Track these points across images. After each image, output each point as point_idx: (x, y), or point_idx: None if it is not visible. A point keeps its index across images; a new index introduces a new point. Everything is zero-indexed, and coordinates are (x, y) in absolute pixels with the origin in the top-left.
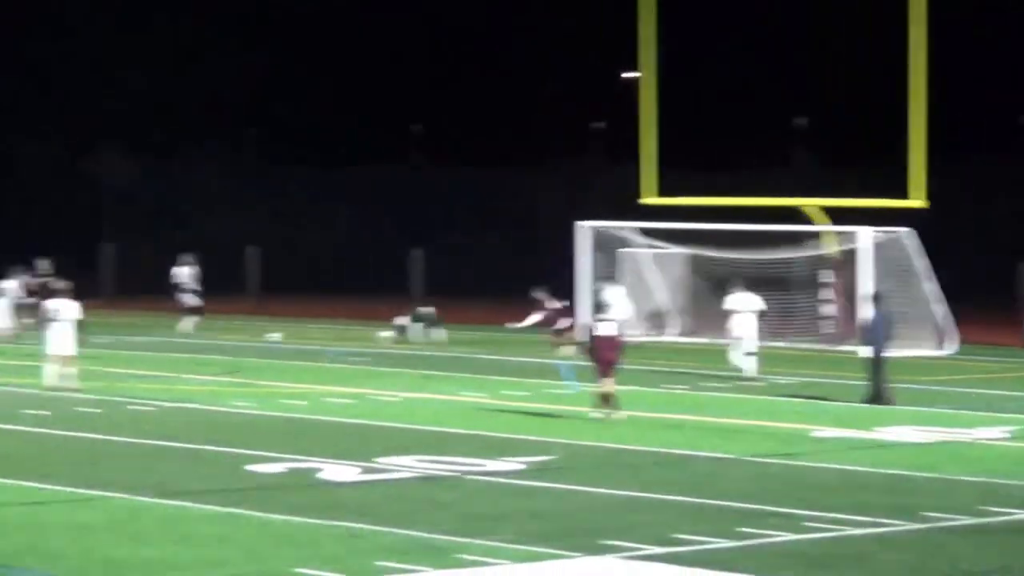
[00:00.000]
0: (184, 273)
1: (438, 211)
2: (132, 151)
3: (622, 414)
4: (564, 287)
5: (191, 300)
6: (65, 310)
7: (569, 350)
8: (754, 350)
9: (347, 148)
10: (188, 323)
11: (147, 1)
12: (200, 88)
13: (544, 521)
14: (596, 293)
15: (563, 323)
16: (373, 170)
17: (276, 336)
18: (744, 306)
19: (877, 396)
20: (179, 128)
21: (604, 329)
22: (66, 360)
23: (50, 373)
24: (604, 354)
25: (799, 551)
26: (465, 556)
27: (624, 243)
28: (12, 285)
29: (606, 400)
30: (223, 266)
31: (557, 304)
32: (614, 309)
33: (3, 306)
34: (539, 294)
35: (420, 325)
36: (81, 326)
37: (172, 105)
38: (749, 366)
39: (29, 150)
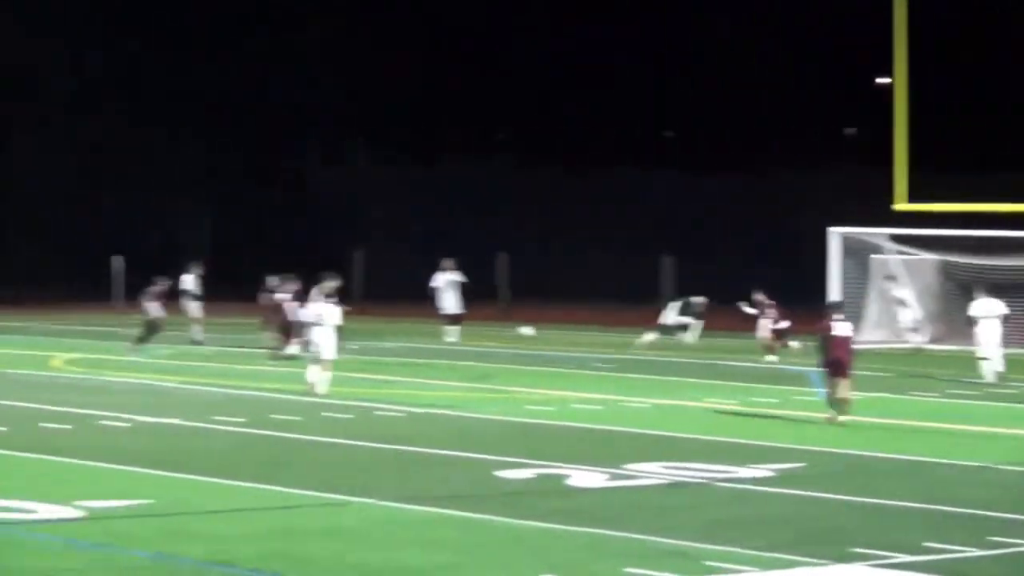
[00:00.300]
0: (442, 279)
1: (687, 217)
2: (385, 157)
3: (843, 418)
4: (819, 293)
5: (451, 308)
6: (328, 315)
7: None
8: (993, 356)
9: (597, 153)
10: (451, 331)
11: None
12: (452, 94)
13: (793, 528)
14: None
15: (781, 324)
16: (622, 175)
17: (529, 331)
18: (987, 312)
19: None
20: (431, 133)
21: (840, 330)
22: (323, 364)
23: (313, 377)
24: (836, 353)
25: None
26: (713, 563)
27: (876, 249)
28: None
29: (840, 403)
30: (473, 272)
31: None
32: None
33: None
34: (757, 296)
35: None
36: (340, 331)
37: (426, 110)
38: (988, 371)
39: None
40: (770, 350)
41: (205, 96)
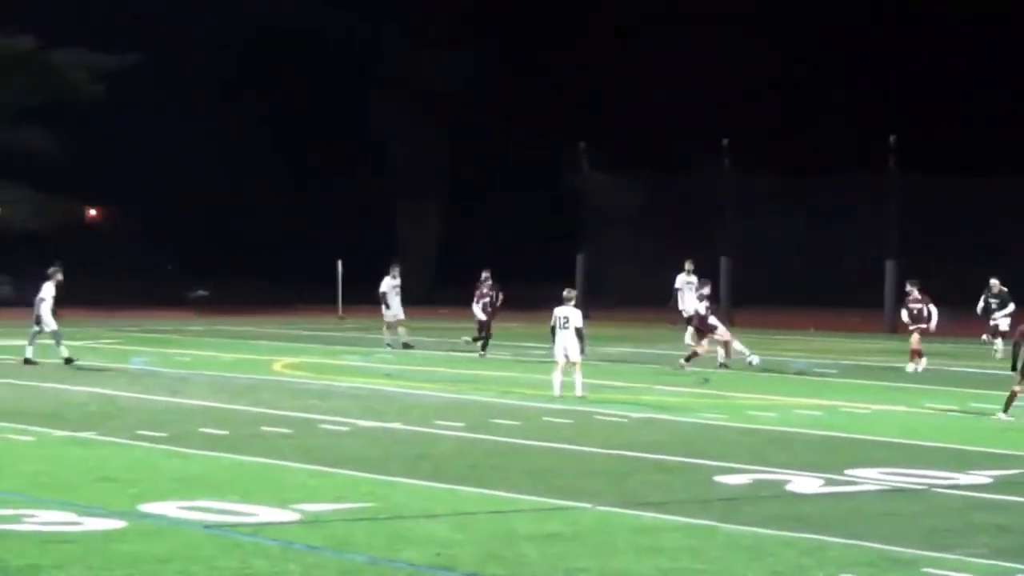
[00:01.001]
0: (682, 280)
1: (911, 222)
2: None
3: None
4: None
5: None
6: (572, 318)
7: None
8: None
9: (817, 157)
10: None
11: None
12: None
13: (1013, 536)
14: None
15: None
16: (843, 180)
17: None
18: None
19: None
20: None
21: None
22: (573, 367)
23: (557, 381)
24: None
25: None
26: (932, 570)
27: None
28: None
29: None
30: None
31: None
32: None
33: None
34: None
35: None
36: (581, 335)
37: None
38: None
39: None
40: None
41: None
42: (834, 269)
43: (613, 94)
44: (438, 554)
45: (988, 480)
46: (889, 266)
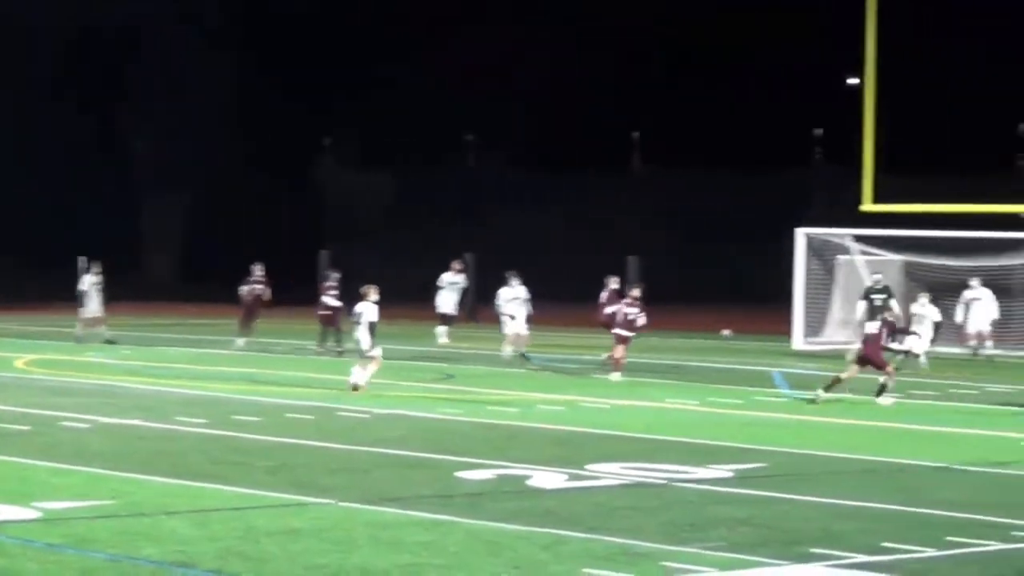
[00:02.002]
0: (446, 280)
1: (653, 217)
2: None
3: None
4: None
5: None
6: (365, 312)
7: None
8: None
9: (564, 155)
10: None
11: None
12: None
13: (751, 529)
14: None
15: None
16: (584, 177)
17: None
18: (922, 313)
19: None
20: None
21: (871, 328)
22: (363, 361)
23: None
24: (867, 350)
25: (1008, 560)
26: (671, 564)
27: (842, 250)
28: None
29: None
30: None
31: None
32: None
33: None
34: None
35: None
36: (372, 329)
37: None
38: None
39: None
40: None
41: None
42: (584, 263)
43: (364, 91)
44: (179, 551)
45: (728, 474)
46: (630, 261)
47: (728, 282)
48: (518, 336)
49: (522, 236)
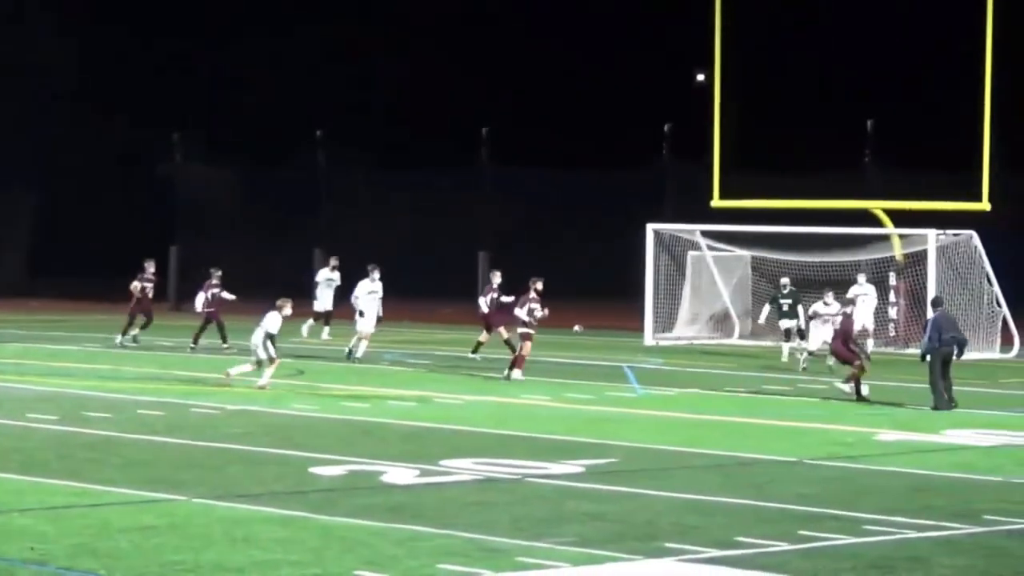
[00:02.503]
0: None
1: (506, 214)
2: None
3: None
4: (633, 290)
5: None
6: (265, 321)
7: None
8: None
9: (412, 151)
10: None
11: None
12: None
13: (603, 524)
14: None
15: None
16: (434, 173)
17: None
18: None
19: (936, 399)
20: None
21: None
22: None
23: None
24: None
25: (859, 554)
26: (525, 559)
27: (693, 246)
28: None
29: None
30: (284, 271)
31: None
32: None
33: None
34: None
35: None
36: (271, 337)
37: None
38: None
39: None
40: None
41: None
42: (429, 260)
43: (213, 87)
44: (32, 548)
45: (580, 469)
46: (481, 257)
47: (579, 278)
48: (365, 332)
49: (370, 232)
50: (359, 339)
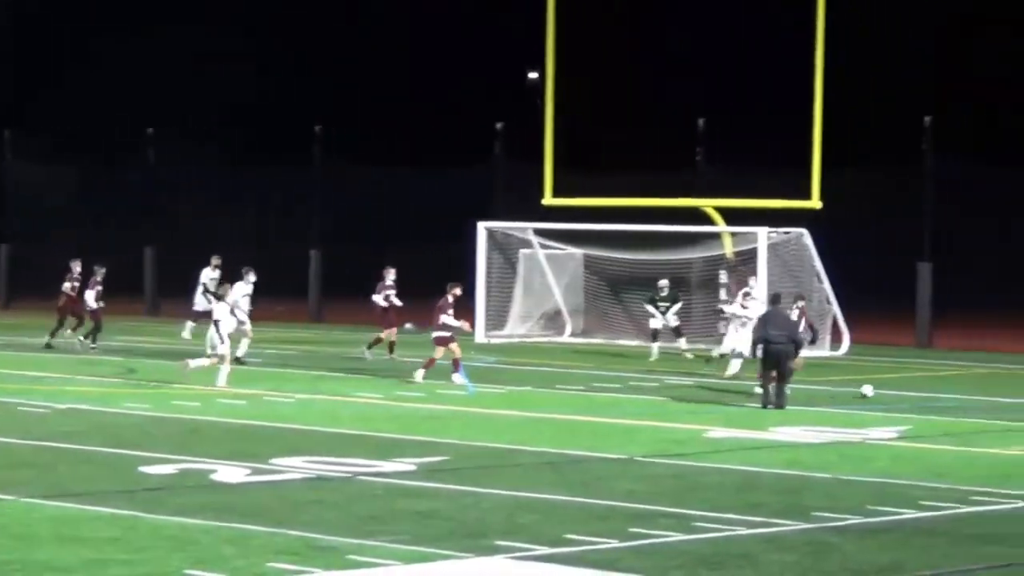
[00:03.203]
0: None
1: (339, 212)
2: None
3: None
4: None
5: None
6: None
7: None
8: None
9: (247, 148)
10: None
11: None
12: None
13: (435, 522)
14: None
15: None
16: (273, 171)
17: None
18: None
19: (764, 397)
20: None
21: None
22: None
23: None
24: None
25: (688, 551)
26: (356, 557)
27: (526, 244)
28: None
29: None
30: (120, 269)
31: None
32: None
33: None
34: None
35: None
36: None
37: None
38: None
39: None
40: None
41: None
42: (262, 258)
43: (46, 86)
44: None
45: (412, 467)
46: (313, 255)
47: (412, 276)
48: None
49: (206, 231)
50: (244, 341)
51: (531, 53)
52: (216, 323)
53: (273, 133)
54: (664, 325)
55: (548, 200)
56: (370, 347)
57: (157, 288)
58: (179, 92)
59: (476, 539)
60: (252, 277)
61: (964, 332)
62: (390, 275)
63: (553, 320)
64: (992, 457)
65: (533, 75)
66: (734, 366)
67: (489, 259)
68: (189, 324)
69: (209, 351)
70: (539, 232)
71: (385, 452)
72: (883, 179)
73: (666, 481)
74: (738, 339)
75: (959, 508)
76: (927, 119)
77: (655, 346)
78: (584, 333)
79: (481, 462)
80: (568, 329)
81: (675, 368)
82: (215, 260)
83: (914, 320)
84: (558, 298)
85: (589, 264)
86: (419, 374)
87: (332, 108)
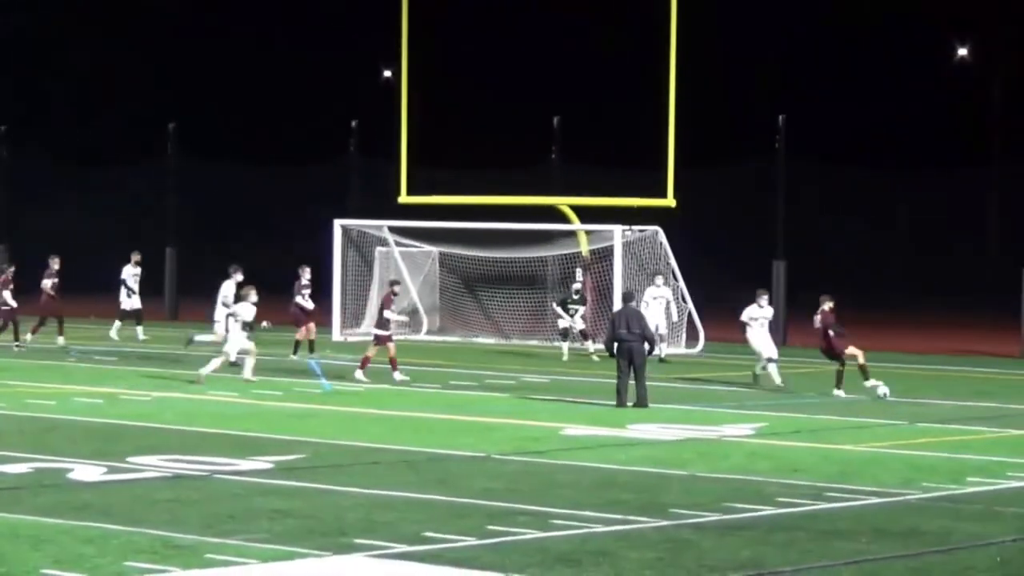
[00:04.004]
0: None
1: (195, 209)
2: None
3: None
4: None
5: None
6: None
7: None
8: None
9: (99, 146)
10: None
11: None
12: None
13: (293, 520)
14: None
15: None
16: (127, 168)
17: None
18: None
19: (620, 396)
20: None
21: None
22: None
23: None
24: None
25: (545, 548)
26: (214, 556)
27: (382, 242)
28: None
29: None
30: None
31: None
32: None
33: None
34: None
35: None
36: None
37: None
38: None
39: None
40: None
41: None
42: (118, 256)
43: None
44: None
45: (269, 466)
46: (169, 253)
47: (266, 274)
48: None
49: (58, 228)
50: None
51: (386, 51)
52: (233, 320)
53: (125, 130)
54: (571, 326)
55: (403, 198)
56: (295, 352)
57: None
58: (25, 85)
59: (334, 537)
60: (238, 276)
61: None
62: (306, 274)
63: (410, 318)
64: (845, 453)
65: (388, 73)
66: (774, 372)
67: (345, 257)
68: (117, 324)
69: (232, 352)
70: (394, 230)
71: (243, 450)
72: (738, 177)
73: (523, 479)
74: (764, 344)
75: (815, 504)
76: (781, 118)
77: (565, 346)
78: (440, 331)
79: (339, 460)
80: (424, 327)
81: (533, 367)
82: (135, 256)
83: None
84: (414, 296)
85: (445, 262)
86: (358, 373)
87: (186, 105)
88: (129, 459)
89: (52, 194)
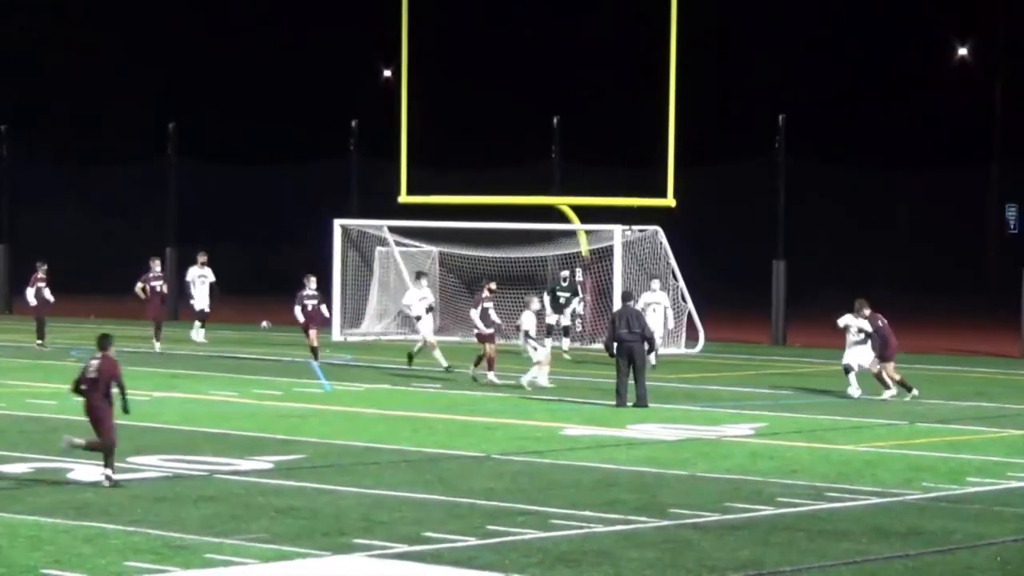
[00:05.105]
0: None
1: (195, 210)
2: None
3: None
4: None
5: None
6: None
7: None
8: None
9: (99, 147)
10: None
11: None
12: None
13: (293, 520)
14: None
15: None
16: (127, 168)
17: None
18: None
19: (620, 397)
20: None
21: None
22: None
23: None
24: None
25: (545, 548)
26: (214, 556)
27: (382, 242)
28: None
29: None
30: None
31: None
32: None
33: None
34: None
35: None
36: None
37: None
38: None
39: None
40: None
41: None
42: (120, 256)
43: None
44: None
45: (269, 466)
46: (169, 253)
47: (268, 274)
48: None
49: (58, 228)
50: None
51: (386, 51)
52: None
53: (126, 131)
54: (558, 321)
55: (403, 198)
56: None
57: (11, 287)
58: (26, 87)
59: (334, 537)
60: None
61: (818, 329)
62: (311, 283)
63: (409, 318)
64: (845, 453)
65: (388, 73)
66: (852, 384)
67: (345, 256)
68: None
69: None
70: (394, 230)
71: (242, 450)
72: (738, 177)
73: (524, 479)
74: (855, 353)
75: (814, 504)
76: (781, 118)
77: (566, 343)
78: (440, 331)
79: (339, 460)
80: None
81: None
82: (202, 257)
83: (769, 318)
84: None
85: (445, 262)
86: (491, 376)
87: (186, 105)
88: (129, 459)
89: (52, 194)
